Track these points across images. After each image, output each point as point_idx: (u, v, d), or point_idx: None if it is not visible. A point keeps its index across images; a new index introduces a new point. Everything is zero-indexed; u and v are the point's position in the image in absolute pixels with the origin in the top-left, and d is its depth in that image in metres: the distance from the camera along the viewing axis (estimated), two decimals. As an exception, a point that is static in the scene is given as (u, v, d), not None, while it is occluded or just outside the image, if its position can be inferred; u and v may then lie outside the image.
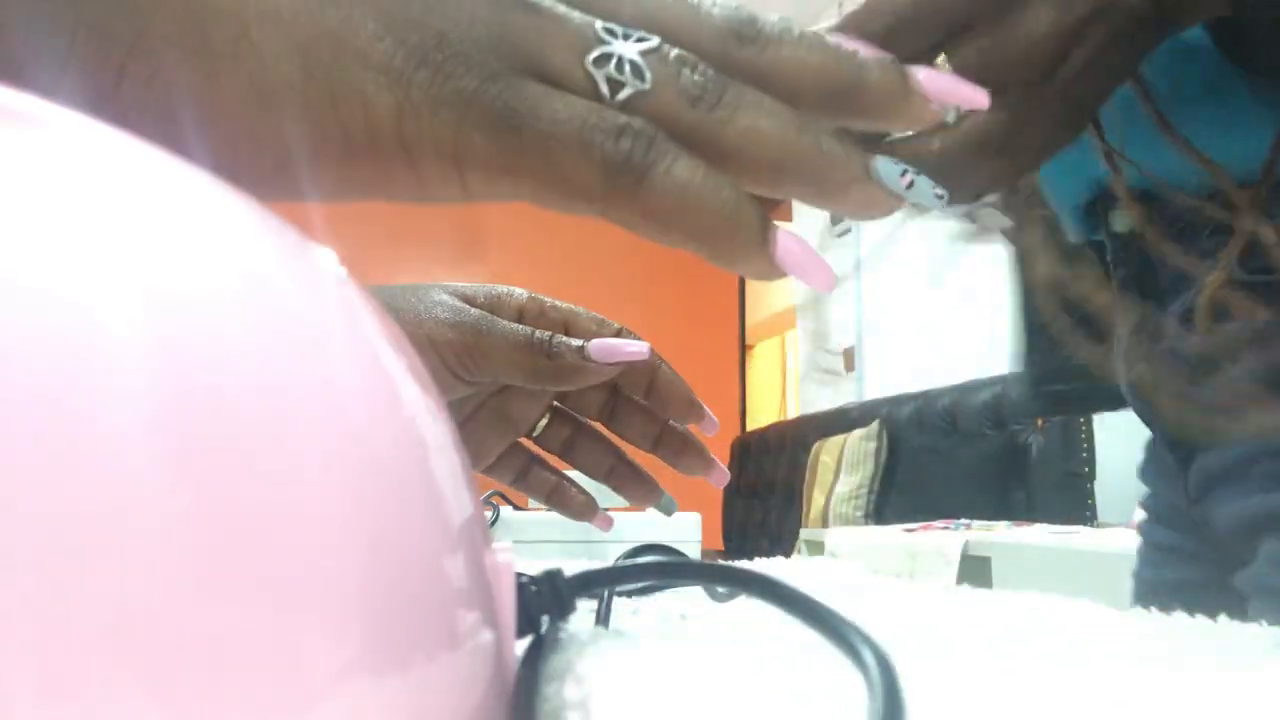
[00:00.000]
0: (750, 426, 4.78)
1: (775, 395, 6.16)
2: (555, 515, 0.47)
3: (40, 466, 0.09)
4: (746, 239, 0.21)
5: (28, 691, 0.08)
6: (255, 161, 0.20)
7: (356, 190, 0.21)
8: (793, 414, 4.40)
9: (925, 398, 2.68)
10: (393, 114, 0.19)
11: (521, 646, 0.19)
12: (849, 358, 3.55)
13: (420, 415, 0.15)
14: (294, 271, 0.14)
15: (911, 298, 3.19)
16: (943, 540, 1.47)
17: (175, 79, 0.19)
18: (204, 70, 0.19)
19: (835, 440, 2.90)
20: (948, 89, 0.22)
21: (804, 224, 3.96)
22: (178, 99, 0.19)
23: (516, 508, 1.18)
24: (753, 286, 5.37)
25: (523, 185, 0.20)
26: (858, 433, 2.80)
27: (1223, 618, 0.33)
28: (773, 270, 0.21)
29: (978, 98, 0.23)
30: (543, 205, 0.21)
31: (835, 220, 3.69)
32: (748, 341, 5.23)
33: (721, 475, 0.44)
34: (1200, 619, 0.33)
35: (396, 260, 3.88)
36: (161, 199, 0.12)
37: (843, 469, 2.78)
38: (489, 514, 1.11)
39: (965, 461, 2.43)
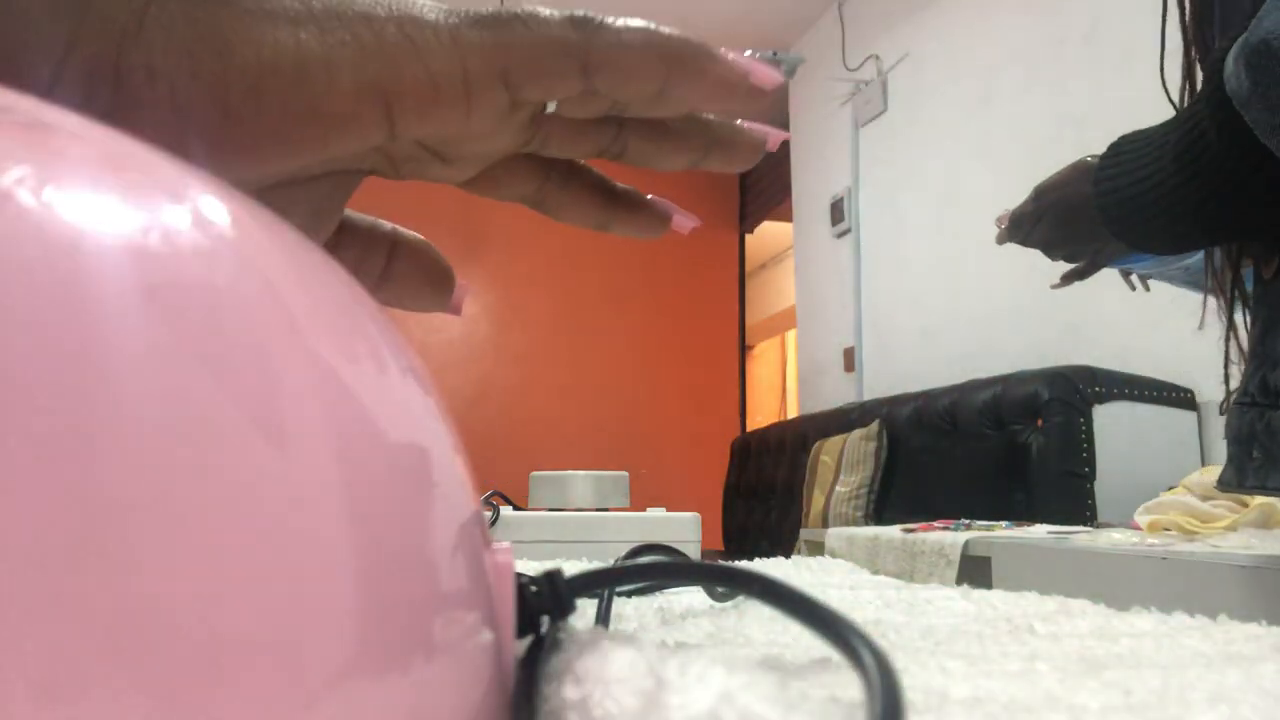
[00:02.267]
0: (750, 426, 4.78)
1: (775, 395, 6.16)
2: (555, 515, 0.44)
3: (35, 463, 0.09)
4: (698, 48, 0.26)
5: (23, 691, 0.08)
6: (259, 116, 0.21)
7: (360, 105, 0.23)
8: (792, 414, 4.40)
9: (925, 398, 2.68)
10: (396, 26, 0.23)
11: (521, 646, 0.19)
12: (849, 358, 3.55)
13: (420, 414, 0.15)
14: (292, 269, 0.14)
15: (912, 298, 3.19)
16: (943, 540, 1.47)
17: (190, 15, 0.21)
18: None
19: (835, 440, 2.90)
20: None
21: (805, 225, 3.97)
22: (191, 43, 0.21)
23: (516, 508, 1.18)
24: (753, 286, 5.38)
25: (514, 56, 0.24)
26: (858, 433, 2.80)
27: (1222, 617, 0.33)
28: (732, 70, 0.26)
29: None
30: (535, 79, 0.24)
31: (835, 221, 3.70)
32: (748, 341, 5.23)
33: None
34: (1200, 619, 0.33)
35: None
36: (160, 197, 0.12)
37: (843, 469, 2.78)
38: (489, 514, 1.11)
39: (965, 461, 2.42)
